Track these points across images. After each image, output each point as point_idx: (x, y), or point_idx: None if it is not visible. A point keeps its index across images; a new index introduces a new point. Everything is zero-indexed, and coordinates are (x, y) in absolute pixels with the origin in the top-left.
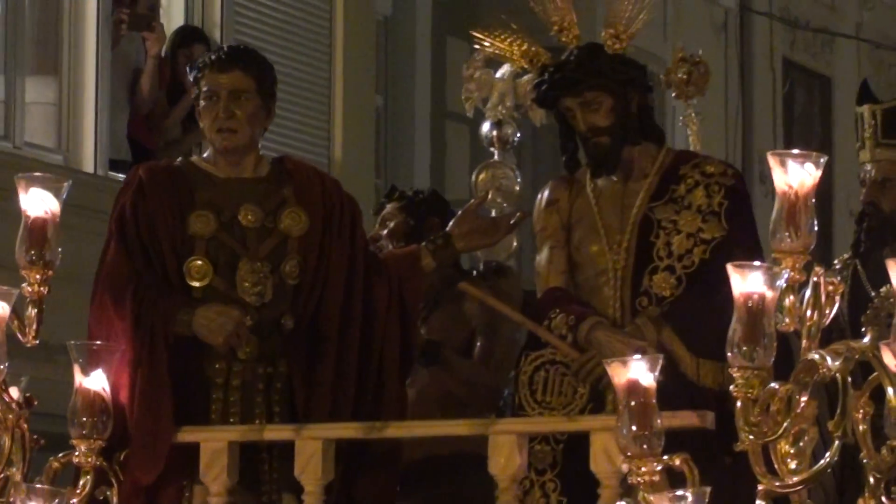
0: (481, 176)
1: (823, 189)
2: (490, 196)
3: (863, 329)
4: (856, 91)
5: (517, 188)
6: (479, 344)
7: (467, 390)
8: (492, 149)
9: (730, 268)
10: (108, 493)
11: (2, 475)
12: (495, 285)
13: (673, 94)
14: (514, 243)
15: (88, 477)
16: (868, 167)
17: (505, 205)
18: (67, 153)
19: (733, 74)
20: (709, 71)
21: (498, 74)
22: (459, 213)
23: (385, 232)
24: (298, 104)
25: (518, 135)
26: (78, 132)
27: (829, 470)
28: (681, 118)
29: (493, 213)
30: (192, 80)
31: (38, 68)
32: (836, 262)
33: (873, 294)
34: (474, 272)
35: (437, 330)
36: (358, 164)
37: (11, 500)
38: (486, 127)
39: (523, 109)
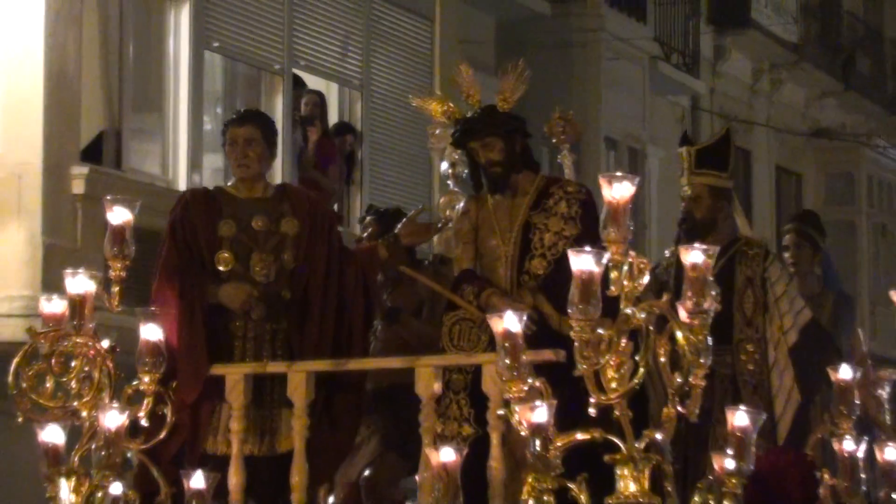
0: (442, 200)
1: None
2: (448, 214)
3: None
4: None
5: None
6: (425, 309)
7: (418, 341)
8: (448, 181)
9: (569, 252)
10: (165, 409)
11: (93, 398)
12: (438, 270)
13: (553, 141)
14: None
15: (150, 399)
16: (685, 188)
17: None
18: None
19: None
20: (577, 126)
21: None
22: (404, 219)
23: (365, 235)
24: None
25: (466, 171)
26: None
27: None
28: (558, 156)
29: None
30: (221, 133)
31: None
32: (667, 252)
33: None
34: (425, 261)
35: (399, 299)
36: None
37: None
38: (444, 166)
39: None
